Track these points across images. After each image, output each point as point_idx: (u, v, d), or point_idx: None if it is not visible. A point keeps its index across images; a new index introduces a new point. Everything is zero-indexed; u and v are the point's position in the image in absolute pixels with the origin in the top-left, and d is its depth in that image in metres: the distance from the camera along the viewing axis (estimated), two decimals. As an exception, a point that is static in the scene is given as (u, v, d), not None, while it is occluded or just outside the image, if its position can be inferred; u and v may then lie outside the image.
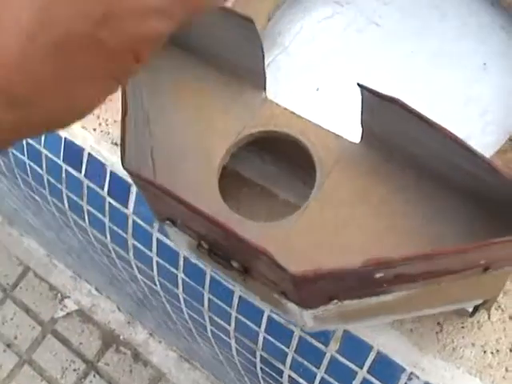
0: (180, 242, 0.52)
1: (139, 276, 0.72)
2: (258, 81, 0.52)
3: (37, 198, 0.78)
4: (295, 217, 0.48)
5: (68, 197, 0.70)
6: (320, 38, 0.62)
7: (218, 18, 0.48)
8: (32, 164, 0.72)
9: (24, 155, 0.72)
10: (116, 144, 0.65)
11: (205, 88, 0.53)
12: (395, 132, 0.46)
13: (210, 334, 0.71)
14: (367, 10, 0.62)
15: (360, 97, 0.46)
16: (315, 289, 0.42)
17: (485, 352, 0.54)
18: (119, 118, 0.65)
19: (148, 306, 0.91)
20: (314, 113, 0.58)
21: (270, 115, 0.51)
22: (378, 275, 0.42)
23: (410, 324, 0.56)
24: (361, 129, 0.49)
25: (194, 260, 0.61)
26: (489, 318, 0.55)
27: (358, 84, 0.44)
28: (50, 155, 0.68)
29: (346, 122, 0.58)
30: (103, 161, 0.65)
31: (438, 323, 0.55)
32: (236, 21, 0.47)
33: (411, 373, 0.55)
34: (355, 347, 0.57)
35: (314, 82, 0.60)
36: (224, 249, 0.46)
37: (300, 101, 0.59)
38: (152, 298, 0.77)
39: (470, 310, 0.52)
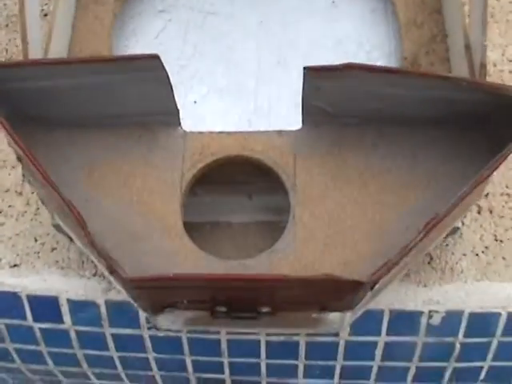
0: (173, 322, 0.47)
1: (98, 382, 0.64)
2: (171, 118, 0.46)
3: None
4: (289, 230, 0.44)
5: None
6: (165, 54, 0.58)
7: (107, 75, 0.43)
8: None
9: None
10: (16, 265, 0.56)
11: (116, 157, 0.47)
12: (347, 97, 0.44)
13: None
14: (196, 5, 0.59)
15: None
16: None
17: (477, 255, 0.56)
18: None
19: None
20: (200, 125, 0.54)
21: (200, 147, 0.47)
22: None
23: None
24: (301, 114, 0.46)
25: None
26: (463, 223, 0.56)
27: (304, 67, 0.41)
28: None
29: (244, 118, 0.55)
30: (13, 290, 0.56)
31: (426, 254, 0.56)
32: (137, 64, 0.42)
33: (429, 311, 0.55)
34: (366, 321, 0.55)
35: (187, 97, 0.56)
36: (246, 302, 0.42)
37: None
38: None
39: (460, 225, 0.52)
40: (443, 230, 0.45)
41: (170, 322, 0.47)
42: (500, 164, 0.39)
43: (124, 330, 0.56)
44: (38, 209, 0.58)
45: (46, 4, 0.64)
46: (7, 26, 0.65)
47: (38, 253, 0.57)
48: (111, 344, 0.58)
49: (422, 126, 0.46)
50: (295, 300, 0.41)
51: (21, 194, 0.58)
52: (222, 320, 0.44)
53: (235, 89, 0.56)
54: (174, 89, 0.55)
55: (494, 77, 0.60)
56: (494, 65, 0.61)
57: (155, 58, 0.42)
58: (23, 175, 0.51)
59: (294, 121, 0.48)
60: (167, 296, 0.41)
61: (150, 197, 0.46)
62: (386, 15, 0.58)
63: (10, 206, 0.58)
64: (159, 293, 0.40)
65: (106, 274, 0.46)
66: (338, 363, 0.58)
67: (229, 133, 0.48)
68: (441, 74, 0.42)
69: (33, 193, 0.58)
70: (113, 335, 0.57)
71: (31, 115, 0.46)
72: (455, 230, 0.53)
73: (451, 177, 0.44)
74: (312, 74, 0.42)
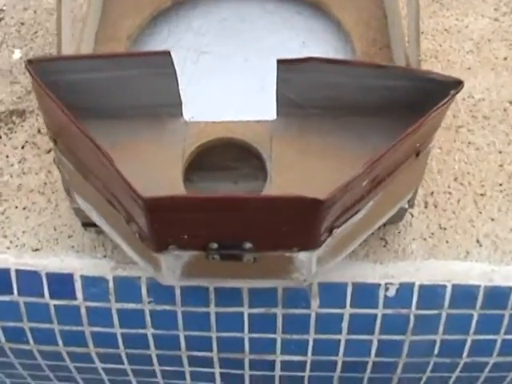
0: (173, 270, 0.57)
1: (100, 365, 0.73)
2: (176, 109, 0.59)
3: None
4: (267, 187, 0.56)
5: (3, 328, 0.69)
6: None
7: (130, 69, 0.56)
8: None
9: None
10: (37, 250, 0.67)
11: (133, 140, 0.59)
12: (310, 88, 0.57)
13: (188, 380, 0.75)
14: (193, 46, 0.73)
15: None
16: (330, 216, 0.51)
17: (425, 239, 0.67)
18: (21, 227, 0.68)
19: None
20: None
21: (198, 132, 0.59)
22: (364, 183, 0.52)
23: (362, 251, 0.66)
24: (275, 106, 0.59)
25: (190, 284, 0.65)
26: (412, 215, 0.68)
27: (277, 60, 0.54)
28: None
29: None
30: (34, 269, 0.66)
31: (381, 238, 0.67)
32: (151, 60, 0.55)
33: (386, 283, 0.65)
34: (333, 292, 0.66)
35: (185, 115, 0.69)
36: (233, 237, 0.53)
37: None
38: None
39: (406, 206, 0.64)
40: (386, 192, 0.56)
41: (171, 272, 0.57)
42: (424, 121, 0.51)
43: (128, 304, 0.66)
44: (57, 205, 0.69)
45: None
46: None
47: (57, 239, 0.68)
48: (116, 320, 0.67)
49: (368, 114, 0.58)
50: (270, 231, 0.52)
51: (43, 193, 0.70)
52: (213, 264, 0.55)
53: (223, 109, 0.69)
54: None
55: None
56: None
57: (167, 54, 0.55)
58: (54, 160, 0.62)
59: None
60: (173, 223, 0.51)
61: (159, 166, 0.58)
62: (345, 52, 0.72)
63: (33, 203, 0.70)
64: (166, 218, 0.50)
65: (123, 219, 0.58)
66: (311, 337, 0.68)
67: (219, 122, 0.60)
68: (381, 63, 0.55)
69: (53, 192, 0.70)
70: (118, 310, 0.67)
71: (67, 104, 0.59)
72: (403, 212, 0.65)
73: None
74: (282, 65, 0.55)
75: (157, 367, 0.72)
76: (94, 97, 0.58)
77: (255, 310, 0.66)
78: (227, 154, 0.61)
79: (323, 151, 0.58)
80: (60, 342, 0.70)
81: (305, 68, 0.55)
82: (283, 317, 0.66)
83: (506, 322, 0.66)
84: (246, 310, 0.66)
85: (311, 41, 0.73)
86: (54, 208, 0.69)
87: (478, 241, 0.66)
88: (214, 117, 0.67)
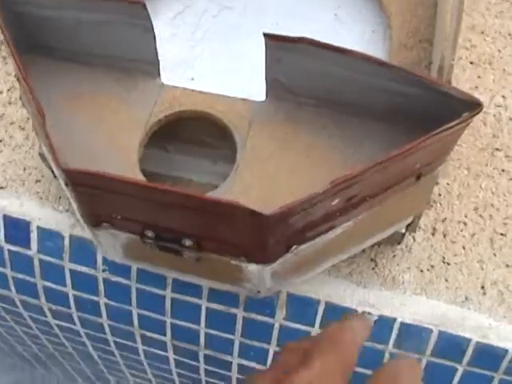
0: (113, 247, 0.51)
1: (53, 321, 0.68)
2: (151, 68, 0.52)
3: None
4: (230, 180, 0.48)
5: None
6: (178, 32, 0.63)
7: (102, 14, 0.48)
8: None
9: None
10: (1, 188, 0.62)
11: (97, 91, 0.52)
12: (304, 74, 0.48)
13: (143, 357, 0.69)
14: (216, -3, 0.65)
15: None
16: (282, 231, 0.43)
17: (421, 271, 0.58)
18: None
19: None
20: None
21: (172, 98, 0.51)
22: (334, 202, 0.43)
23: (346, 268, 0.58)
24: (265, 86, 0.51)
25: (127, 265, 0.59)
26: (414, 240, 0.58)
27: (264, 33, 0.46)
28: None
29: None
30: (-8, 207, 0.61)
31: (372, 259, 0.58)
32: (123, 8, 0.47)
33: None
34: (302, 307, 0.58)
35: (186, 74, 0.61)
36: (172, 230, 0.46)
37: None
38: (65, 341, 0.73)
39: (403, 231, 0.55)
40: (373, 213, 0.47)
41: (112, 249, 0.51)
42: (422, 142, 0.42)
43: (81, 267, 0.60)
44: (34, 145, 0.63)
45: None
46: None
47: (24, 181, 0.62)
48: (68, 280, 0.62)
49: (370, 117, 0.49)
50: (212, 234, 0.44)
51: (23, 128, 0.64)
52: (157, 252, 0.48)
53: (233, 73, 0.61)
54: (177, 66, 0.60)
55: (478, 118, 0.63)
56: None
57: (140, 5, 0.47)
58: (20, 97, 0.56)
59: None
60: (105, 206, 0.45)
61: (116, 129, 0.50)
62: (384, 37, 0.62)
63: (10, 137, 0.64)
64: (92, 194, 0.43)
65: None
66: (272, 347, 0.60)
67: (200, 92, 0.52)
68: (385, 61, 0.46)
69: (33, 130, 0.64)
70: (71, 271, 0.61)
71: (34, 42, 0.52)
72: (400, 236, 0.55)
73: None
74: (271, 42, 0.46)
75: (109, 337, 0.67)
76: (61, 37, 0.51)
77: (214, 306, 0.59)
78: (203, 129, 0.53)
79: (309, 148, 0.49)
80: (12, 289, 0.65)
81: (296, 49, 0.46)
82: (243, 319, 0.59)
83: (494, 385, 0.57)
84: (204, 303, 0.59)
85: (348, 15, 0.63)
86: (29, 146, 0.63)
87: (483, 287, 0.57)
88: (214, 82, 0.59)
